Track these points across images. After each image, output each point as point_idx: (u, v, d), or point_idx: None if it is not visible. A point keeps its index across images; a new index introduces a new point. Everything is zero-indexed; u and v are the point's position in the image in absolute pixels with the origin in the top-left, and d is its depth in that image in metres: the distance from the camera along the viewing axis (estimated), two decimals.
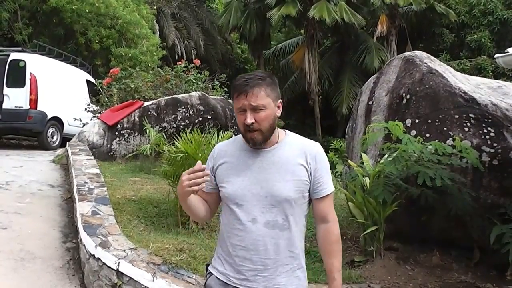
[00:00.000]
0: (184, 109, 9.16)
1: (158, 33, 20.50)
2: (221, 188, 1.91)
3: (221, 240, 1.95)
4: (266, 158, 1.87)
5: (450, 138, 4.28)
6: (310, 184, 1.88)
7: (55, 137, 11.25)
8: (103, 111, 9.89)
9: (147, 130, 7.59)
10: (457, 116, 4.37)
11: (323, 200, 1.92)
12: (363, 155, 4.76)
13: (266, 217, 1.82)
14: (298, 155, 1.88)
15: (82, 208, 4.61)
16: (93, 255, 3.75)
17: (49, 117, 10.80)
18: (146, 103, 9.24)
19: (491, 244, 3.84)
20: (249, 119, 1.77)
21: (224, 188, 1.89)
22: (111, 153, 8.73)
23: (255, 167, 1.86)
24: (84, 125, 10.06)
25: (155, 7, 21.13)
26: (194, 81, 11.12)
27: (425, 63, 4.84)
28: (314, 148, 1.92)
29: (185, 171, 1.77)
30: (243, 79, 1.81)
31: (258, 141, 1.82)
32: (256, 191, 1.83)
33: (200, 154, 4.50)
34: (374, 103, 5.11)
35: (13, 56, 10.72)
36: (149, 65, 14.90)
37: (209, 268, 1.98)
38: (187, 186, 1.73)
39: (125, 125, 8.87)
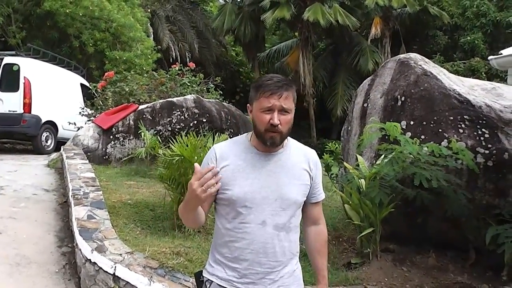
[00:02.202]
0: (179, 112, 9.14)
1: (152, 36, 20.48)
2: (227, 191, 1.84)
3: (220, 246, 1.91)
4: (274, 162, 1.89)
5: (445, 140, 4.29)
6: (310, 188, 1.95)
7: (49, 141, 11.21)
8: (98, 115, 9.86)
9: (142, 134, 7.58)
10: (451, 118, 4.39)
11: (318, 204, 2.03)
12: (359, 157, 4.77)
13: (276, 220, 1.84)
14: (302, 160, 1.94)
15: (78, 212, 4.59)
16: (89, 259, 3.73)
17: (43, 121, 10.75)
18: (141, 107, 9.22)
19: (487, 244, 3.85)
20: (276, 120, 1.77)
21: (230, 191, 1.84)
22: (106, 157, 8.70)
23: (264, 170, 1.87)
24: (78, 129, 10.02)
25: (149, 10, 21.12)
26: (189, 84, 11.11)
27: (420, 65, 4.86)
28: (314, 155, 2.00)
29: (192, 178, 1.68)
30: (275, 80, 1.80)
31: (277, 142, 1.83)
32: (265, 194, 1.84)
33: (196, 157, 4.50)
34: (369, 105, 5.13)
35: (7, 60, 10.67)
36: (144, 68, 14.90)
37: (205, 275, 1.93)
38: (203, 192, 1.65)
39: (120, 129, 8.84)
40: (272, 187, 1.84)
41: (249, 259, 1.83)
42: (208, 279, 1.91)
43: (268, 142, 1.82)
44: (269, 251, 1.83)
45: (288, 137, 1.95)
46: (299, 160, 1.93)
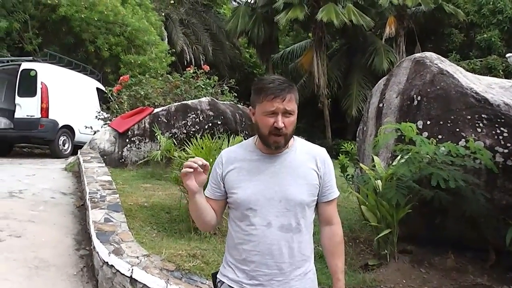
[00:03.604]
0: (194, 115, 9.18)
1: (166, 39, 20.64)
2: (232, 195, 1.89)
3: (230, 248, 1.94)
4: (278, 163, 1.89)
5: (463, 139, 4.23)
6: (319, 187, 1.92)
7: (66, 145, 11.35)
8: (114, 119, 9.96)
9: (158, 137, 7.63)
10: (469, 117, 4.32)
11: (330, 203, 1.98)
12: (375, 157, 4.73)
13: (281, 221, 1.84)
14: (308, 159, 1.92)
15: (95, 215, 4.63)
16: (107, 262, 3.76)
17: (60, 125, 10.91)
18: (156, 110, 9.28)
19: (507, 245, 3.78)
20: (281, 123, 1.78)
21: (235, 194, 1.88)
22: (122, 160, 8.78)
23: (268, 172, 1.87)
24: (95, 132, 10.14)
25: (163, 14, 21.28)
26: (203, 86, 11.16)
27: (436, 64, 4.80)
28: (322, 153, 1.98)
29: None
30: (277, 83, 1.80)
31: (281, 145, 1.84)
32: (270, 196, 1.84)
33: (211, 160, 4.51)
34: (384, 105, 5.08)
35: (24, 65, 10.84)
36: (158, 72, 14.98)
37: (218, 276, 1.97)
38: (186, 166, 1.76)
39: (135, 132, 8.92)
40: (276, 188, 1.85)
41: (256, 261, 1.85)
42: (220, 280, 1.95)
43: (272, 146, 1.84)
44: (275, 253, 1.83)
45: (295, 137, 1.96)
46: (305, 159, 1.91)
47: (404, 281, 3.97)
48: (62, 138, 11.17)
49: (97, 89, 12.91)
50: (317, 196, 1.93)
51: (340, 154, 6.21)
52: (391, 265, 4.20)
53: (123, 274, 3.57)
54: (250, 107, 1.92)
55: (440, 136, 4.38)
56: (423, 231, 4.58)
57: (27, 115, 10.52)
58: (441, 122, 4.45)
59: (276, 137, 1.81)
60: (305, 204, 1.87)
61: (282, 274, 1.84)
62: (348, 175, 5.79)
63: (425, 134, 4.42)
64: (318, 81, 19.43)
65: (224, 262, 1.98)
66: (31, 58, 11.96)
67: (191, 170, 1.76)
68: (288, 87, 1.81)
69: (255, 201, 1.84)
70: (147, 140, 8.91)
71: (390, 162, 4.62)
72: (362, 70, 20.47)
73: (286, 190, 1.84)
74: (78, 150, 9.00)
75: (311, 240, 1.95)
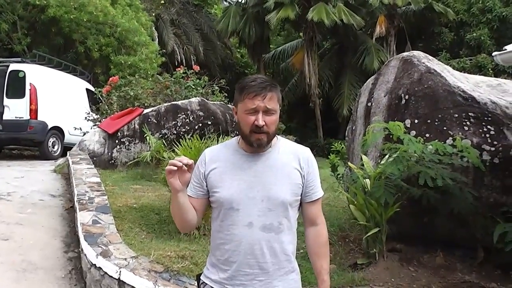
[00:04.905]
0: (184, 115, 9.15)
1: (157, 40, 20.55)
2: (215, 194, 1.87)
3: (214, 248, 1.92)
4: (261, 162, 1.88)
5: (450, 138, 4.26)
6: (302, 187, 1.91)
7: (56, 147, 11.27)
8: (103, 120, 9.90)
9: (147, 137, 7.60)
10: (456, 115, 4.34)
11: (314, 203, 1.96)
12: (363, 156, 4.74)
13: (263, 221, 1.83)
14: (292, 159, 1.91)
15: (83, 217, 4.60)
16: (94, 264, 3.74)
17: (49, 126, 10.82)
18: (146, 110, 9.24)
19: (495, 243, 3.80)
20: (261, 121, 1.78)
21: (218, 193, 1.86)
22: (112, 161, 8.73)
23: (251, 171, 1.86)
24: (84, 134, 10.07)
25: (153, 14, 21.19)
26: (193, 87, 11.12)
27: (423, 63, 4.83)
28: (306, 152, 1.96)
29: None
30: (259, 81, 1.81)
31: (263, 143, 1.83)
32: (252, 195, 1.83)
33: None
34: (373, 104, 5.10)
35: (13, 66, 10.74)
36: (149, 72, 14.93)
37: (201, 278, 1.95)
38: (171, 164, 1.74)
39: (125, 133, 8.87)
40: (259, 188, 1.83)
41: (237, 260, 1.83)
42: (203, 282, 1.94)
43: (254, 144, 1.83)
44: (257, 252, 1.82)
45: (278, 136, 1.95)
46: (289, 158, 1.90)
47: (393, 280, 3.99)
48: (51, 140, 11.08)
49: (87, 90, 12.82)
50: (301, 196, 1.92)
51: (330, 153, 6.22)
52: (380, 264, 4.22)
53: (111, 276, 3.55)
54: (233, 106, 1.92)
55: (427, 135, 4.40)
56: (412, 230, 4.60)
57: (15, 117, 10.43)
58: (429, 121, 4.47)
59: (258, 135, 1.80)
60: (288, 204, 1.86)
61: (264, 274, 1.83)
62: (338, 174, 5.80)
63: (413, 132, 4.44)
64: (310, 80, 19.46)
65: (208, 263, 1.97)
66: (19, 59, 11.84)
67: (175, 168, 1.74)
68: (270, 86, 1.81)
69: (238, 200, 1.83)
70: (137, 141, 8.87)
71: (379, 161, 4.64)
72: (353, 69, 20.53)
73: (269, 189, 1.83)
74: (68, 152, 8.94)
75: (294, 240, 1.94)
